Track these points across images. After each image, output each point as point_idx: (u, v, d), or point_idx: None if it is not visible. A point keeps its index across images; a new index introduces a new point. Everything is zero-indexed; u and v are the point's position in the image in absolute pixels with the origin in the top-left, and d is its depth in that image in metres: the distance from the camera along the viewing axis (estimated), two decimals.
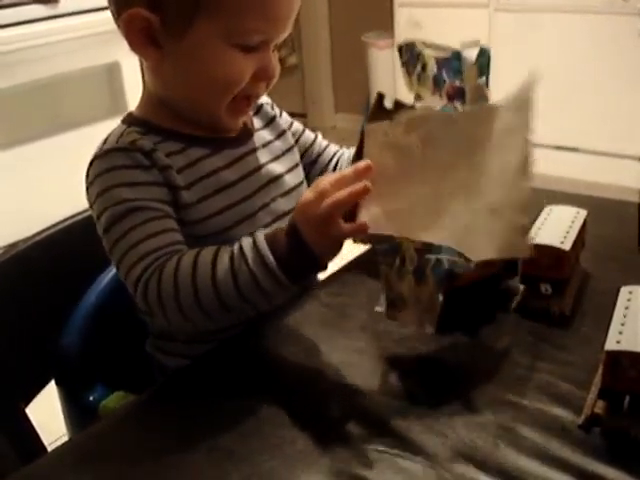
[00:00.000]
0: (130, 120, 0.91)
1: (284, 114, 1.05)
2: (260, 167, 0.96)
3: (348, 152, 1.10)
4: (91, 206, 0.86)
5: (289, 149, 1.02)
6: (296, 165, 1.02)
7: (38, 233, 0.99)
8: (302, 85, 4.38)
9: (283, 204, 0.97)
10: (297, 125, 1.07)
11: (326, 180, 0.74)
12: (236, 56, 0.83)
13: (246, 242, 0.78)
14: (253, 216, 0.93)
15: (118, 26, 0.84)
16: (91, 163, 0.86)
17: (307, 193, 0.75)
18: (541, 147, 3.11)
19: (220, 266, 0.77)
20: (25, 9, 2.48)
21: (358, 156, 0.93)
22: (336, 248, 0.75)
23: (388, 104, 0.89)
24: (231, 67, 0.83)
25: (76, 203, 1.06)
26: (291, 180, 1.00)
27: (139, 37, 0.83)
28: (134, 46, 0.84)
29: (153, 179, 0.85)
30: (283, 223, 0.95)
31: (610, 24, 2.82)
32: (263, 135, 1.00)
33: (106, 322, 0.99)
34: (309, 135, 1.08)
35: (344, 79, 4.28)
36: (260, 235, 0.78)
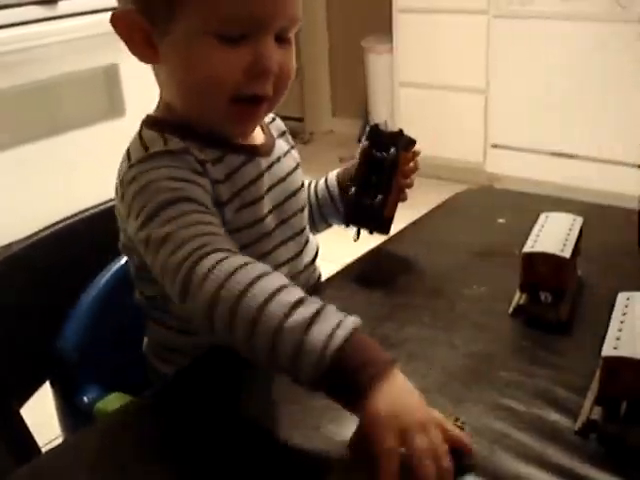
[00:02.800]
0: (157, 124, 0.85)
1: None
2: (283, 178, 0.92)
3: (313, 183, 1.08)
4: (127, 203, 0.79)
5: (298, 164, 0.98)
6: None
7: (35, 234, 0.99)
8: (300, 89, 4.38)
9: (302, 219, 0.95)
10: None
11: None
12: (218, 50, 0.77)
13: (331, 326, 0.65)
14: (272, 233, 0.90)
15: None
16: (130, 166, 0.80)
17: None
18: (538, 153, 3.12)
19: (282, 307, 0.65)
20: (23, 10, 2.48)
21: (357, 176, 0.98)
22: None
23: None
24: (213, 62, 0.78)
25: (73, 204, 1.06)
26: (305, 194, 0.98)
27: (132, 38, 0.81)
28: (129, 47, 0.82)
29: (204, 184, 0.79)
30: (299, 240, 0.94)
31: (608, 31, 2.83)
32: (280, 145, 0.96)
33: (102, 323, 0.98)
34: None
35: (342, 83, 4.29)
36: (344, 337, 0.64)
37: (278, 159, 0.93)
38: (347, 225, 1.01)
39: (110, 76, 2.76)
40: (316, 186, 1.07)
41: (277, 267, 0.89)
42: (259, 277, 0.67)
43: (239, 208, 0.85)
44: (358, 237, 1.02)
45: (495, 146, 3.27)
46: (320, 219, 1.07)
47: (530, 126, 3.13)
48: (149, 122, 0.87)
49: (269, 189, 0.90)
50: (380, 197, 0.97)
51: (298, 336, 0.64)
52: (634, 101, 2.83)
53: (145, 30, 0.80)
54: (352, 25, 4.03)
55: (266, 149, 0.91)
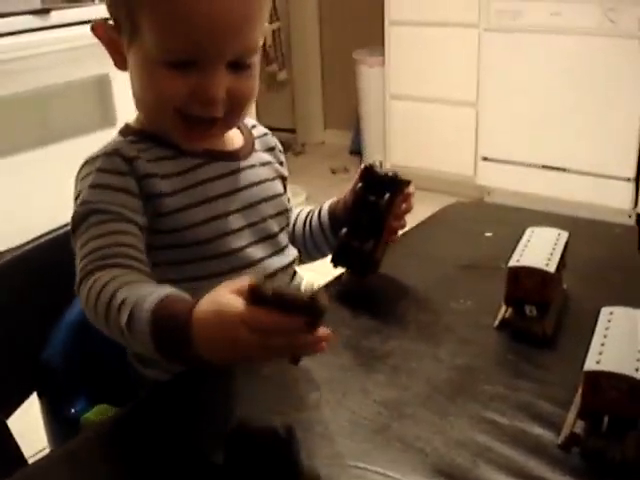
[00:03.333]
0: (125, 131, 0.92)
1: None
2: (255, 184, 0.96)
3: (305, 212, 1.10)
4: None
5: (281, 177, 1.02)
6: (284, 193, 1.02)
7: (22, 245, 0.99)
8: (292, 101, 4.39)
9: (273, 225, 0.97)
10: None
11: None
12: (165, 73, 0.82)
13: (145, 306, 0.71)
14: (239, 232, 0.92)
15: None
16: (78, 170, 0.88)
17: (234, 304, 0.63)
18: (528, 166, 3.13)
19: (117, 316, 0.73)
20: (16, 20, 2.48)
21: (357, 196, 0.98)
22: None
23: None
24: (160, 85, 0.83)
25: (63, 215, 1.06)
26: (284, 203, 1.00)
27: (109, 44, 0.89)
28: (107, 51, 0.89)
29: (123, 185, 0.85)
30: (272, 243, 0.96)
31: (598, 44, 2.85)
32: (262, 156, 1.00)
33: (89, 335, 0.98)
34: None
35: (334, 95, 4.30)
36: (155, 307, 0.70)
37: (252, 166, 0.96)
38: (335, 266, 1.00)
39: (102, 86, 2.76)
40: (311, 217, 1.09)
41: (249, 265, 0.92)
42: (111, 297, 0.75)
43: (190, 205, 0.88)
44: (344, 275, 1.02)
45: (486, 159, 3.29)
46: (313, 248, 1.08)
47: (521, 139, 3.14)
48: (121, 130, 0.93)
49: (237, 190, 0.93)
50: (371, 242, 0.97)
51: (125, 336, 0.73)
52: (624, 114, 2.85)
53: (117, 39, 0.87)
54: (344, 37, 4.04)
55: (239, 155, 0.96)
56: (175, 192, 0.88)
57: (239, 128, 0.98)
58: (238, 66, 0.85)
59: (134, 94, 0.89)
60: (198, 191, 0.89)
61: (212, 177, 0.91)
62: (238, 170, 0.94)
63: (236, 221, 0.92)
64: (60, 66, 2.58)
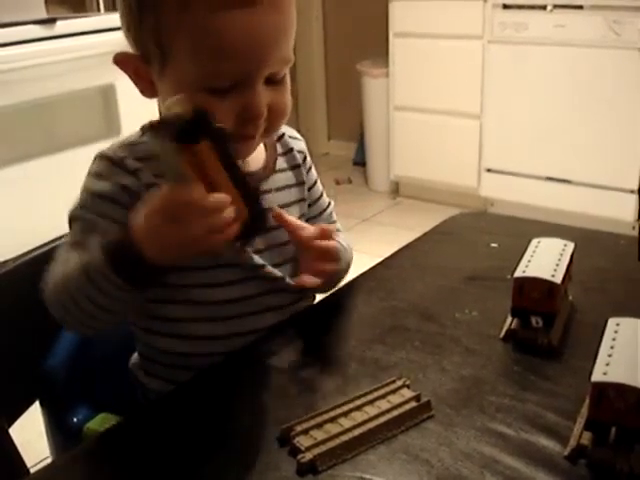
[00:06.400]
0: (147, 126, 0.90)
1: (312, 169, 1.03)
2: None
3: None
4: None
5: (300, 200, 1.00)
6: (300, 217, 0.99)
7: (26, 253, 0.99)
8: (296, 112, 4.40)
9: (285, 251, 0.95)
10: (319, 187, 1.04)
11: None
12: (208, 100, 0.79)
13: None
14: (260, 253, 0.92)
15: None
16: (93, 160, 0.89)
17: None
18: (533, 178, 3.13)
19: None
20: (22, 29, 2.49)
21: None
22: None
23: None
24: None
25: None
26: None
27: (135, 74, 0.86)
28: (133, 82, 0.86)
29: (119, 198, 0.84)
30: (283, 270, 0.94)
31: (603, 57, 2.85)
32: (282, 178, 0.97)
33: (91, 344, 0.98)
34: (323, 202, 1.05)
35: (338, 107, 4.31)
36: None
37: (269, 191, 0.94)
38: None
39: (107, 96, 2.77)
40: None
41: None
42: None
43: None
44: None
45: (489, 170, 3.29)
46: None
47: (524, 151, 3.14)
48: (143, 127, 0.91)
49: None
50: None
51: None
52: (628, 126, 2.85)
53: (144, 69, 0.84)
54: (348, 49, 4.06)
55: (256, 178, 0.93)
56: None
57: (264, 144, 0.96)
58: (273, 80, 0.83)
59: None
60: None
61: None
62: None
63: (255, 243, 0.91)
64: (65, 76, 2.59)
